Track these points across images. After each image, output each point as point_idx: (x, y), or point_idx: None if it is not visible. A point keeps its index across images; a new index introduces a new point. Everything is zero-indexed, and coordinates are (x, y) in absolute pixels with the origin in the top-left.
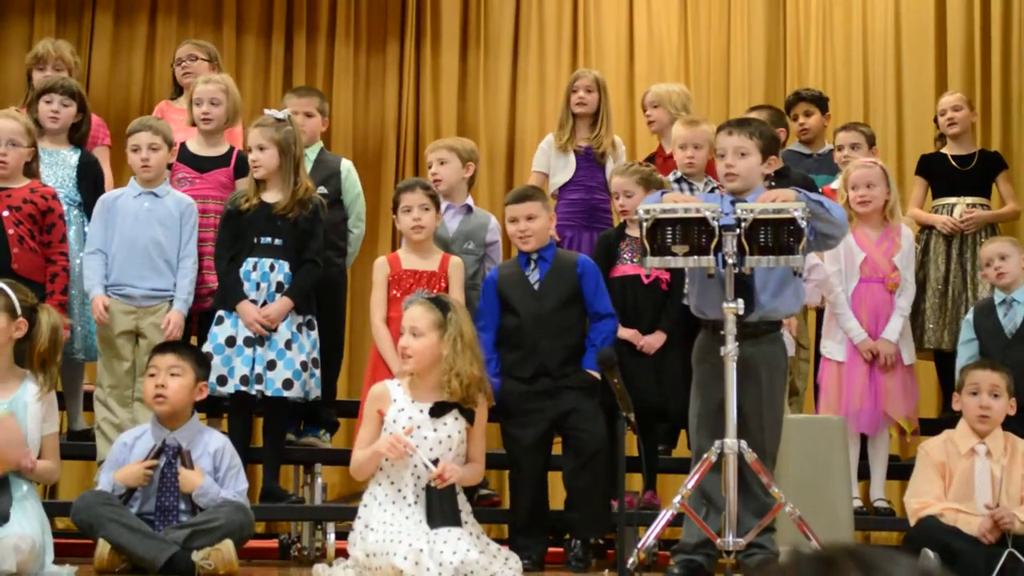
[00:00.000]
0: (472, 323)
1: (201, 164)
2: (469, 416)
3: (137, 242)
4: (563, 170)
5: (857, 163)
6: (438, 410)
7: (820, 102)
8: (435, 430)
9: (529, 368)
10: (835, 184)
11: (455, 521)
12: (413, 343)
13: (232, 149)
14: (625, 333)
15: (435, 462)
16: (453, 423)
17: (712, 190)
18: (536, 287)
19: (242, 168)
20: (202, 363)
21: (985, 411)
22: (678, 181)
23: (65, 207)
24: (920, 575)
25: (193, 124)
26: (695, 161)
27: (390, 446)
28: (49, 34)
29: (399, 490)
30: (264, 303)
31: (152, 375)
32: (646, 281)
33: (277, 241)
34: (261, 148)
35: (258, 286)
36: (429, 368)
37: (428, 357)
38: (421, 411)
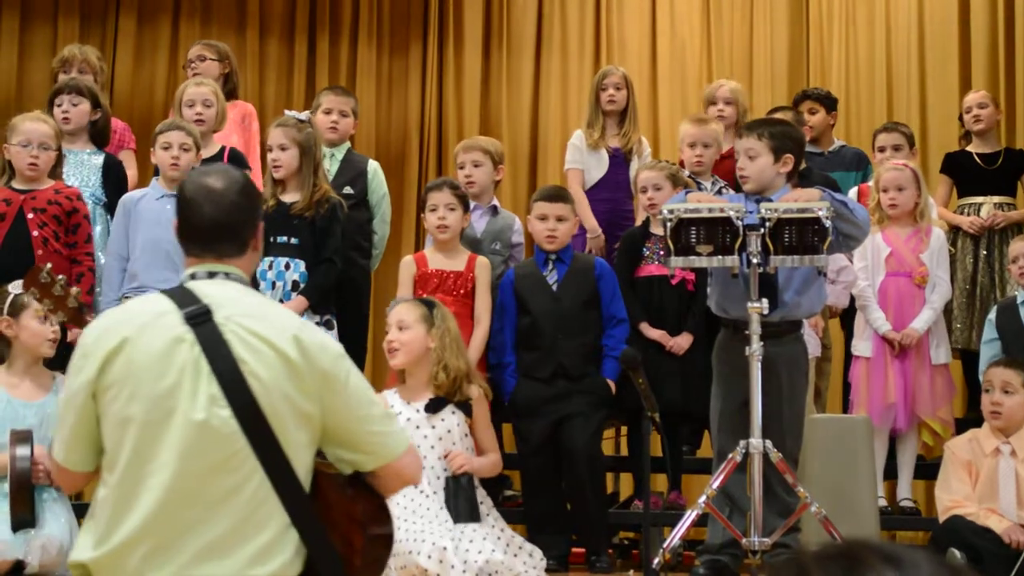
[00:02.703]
0: (455, 320)
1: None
2: (466, 409)
3: (159, 244)
4: (596, 167)
5: (888, 165)
6: (433, 406)
7: (826, 101)
8: (433, 427)
9: (547, 368)
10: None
11: (472, 516)
12: (400, 336)
13: (223, 148)
14: (654, 334)
15: (444, 457)
16: (451, 417)
17: (719, 190)
18: (554, 287)
19: (235, 164)
20: None
21: (996, 407)
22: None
23: (91, 206)
24: (943, 566)
25: None
26: (704, 160)
27: None
28: (73, 37)
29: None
30: (280, 302)
31: None
32: (673, 282)
33: (293, 240)
34: (283, 148)
35: (274, 285)
36: (417, 362)
37: (416, 350)
38: (418, 411)
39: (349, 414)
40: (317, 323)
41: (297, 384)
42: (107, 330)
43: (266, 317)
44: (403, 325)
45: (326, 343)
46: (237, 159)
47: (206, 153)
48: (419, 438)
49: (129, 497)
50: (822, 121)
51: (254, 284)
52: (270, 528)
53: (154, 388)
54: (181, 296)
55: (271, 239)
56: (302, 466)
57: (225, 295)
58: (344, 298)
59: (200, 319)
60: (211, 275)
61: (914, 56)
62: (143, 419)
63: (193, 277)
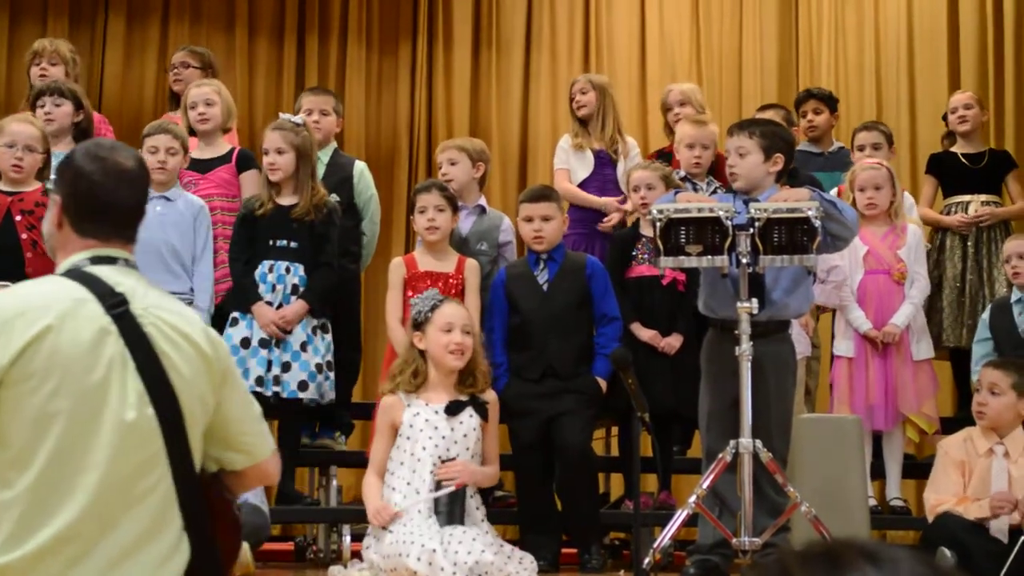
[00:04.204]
0: None
1: (202, 166)
2: (483, 413)
3: (151, 246)
4: (581, 167)
5: (863, 165)
6: (454, 408)
7: (830, 101)
8: (452, 429)
9: (538, 369)
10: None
11: (459, 520)
12: (468, 340)
13: (232, 148)
14: (645, 334)
15: (452, 460)
16: (469, 420)
17: (715, 191)
18: (545, 287)
19: (244, 164)
20: None
21: (980, 407)
22: (683, 180)
23: None
24: (923, 564)
25: (189, 131)
26: (702, 161)
27: (375, 514)
28: (62, 38)
29: (409, 482)
30: (279, 305)
31: None
32: (664, 283)
33: (293, 244)
34: (280, 152)
35: (274, 288)
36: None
37: (470, 355)
38: (436, 412)
39: (237, 412)
40: (315, 327)
41: (209, 379)
42: (19, 315)
43: (176, 310)
44: (467, 329)
45: (221, 339)
46: (247, 160)
47: (214, 152)
48: (437, 439)
49: (51, 498)
50: (826, 121)
51: (255, 287)
52: (171, 528)
53: (83, 382)
54: (93, 283)
55: (271, 242)
56: (199, 464)
57: (132, 285)
58: (337, 301)
59: (120, 309)
60: (111, 261)
61: (903, 58)
62: (70, 415)
63: (92, 261)
